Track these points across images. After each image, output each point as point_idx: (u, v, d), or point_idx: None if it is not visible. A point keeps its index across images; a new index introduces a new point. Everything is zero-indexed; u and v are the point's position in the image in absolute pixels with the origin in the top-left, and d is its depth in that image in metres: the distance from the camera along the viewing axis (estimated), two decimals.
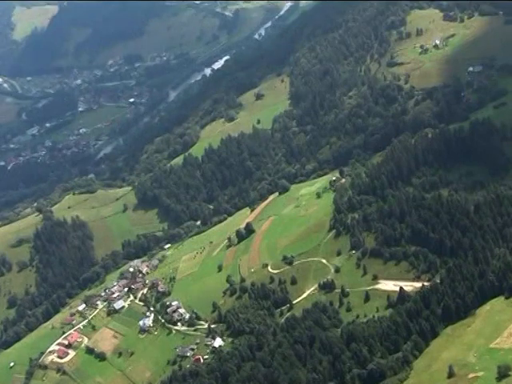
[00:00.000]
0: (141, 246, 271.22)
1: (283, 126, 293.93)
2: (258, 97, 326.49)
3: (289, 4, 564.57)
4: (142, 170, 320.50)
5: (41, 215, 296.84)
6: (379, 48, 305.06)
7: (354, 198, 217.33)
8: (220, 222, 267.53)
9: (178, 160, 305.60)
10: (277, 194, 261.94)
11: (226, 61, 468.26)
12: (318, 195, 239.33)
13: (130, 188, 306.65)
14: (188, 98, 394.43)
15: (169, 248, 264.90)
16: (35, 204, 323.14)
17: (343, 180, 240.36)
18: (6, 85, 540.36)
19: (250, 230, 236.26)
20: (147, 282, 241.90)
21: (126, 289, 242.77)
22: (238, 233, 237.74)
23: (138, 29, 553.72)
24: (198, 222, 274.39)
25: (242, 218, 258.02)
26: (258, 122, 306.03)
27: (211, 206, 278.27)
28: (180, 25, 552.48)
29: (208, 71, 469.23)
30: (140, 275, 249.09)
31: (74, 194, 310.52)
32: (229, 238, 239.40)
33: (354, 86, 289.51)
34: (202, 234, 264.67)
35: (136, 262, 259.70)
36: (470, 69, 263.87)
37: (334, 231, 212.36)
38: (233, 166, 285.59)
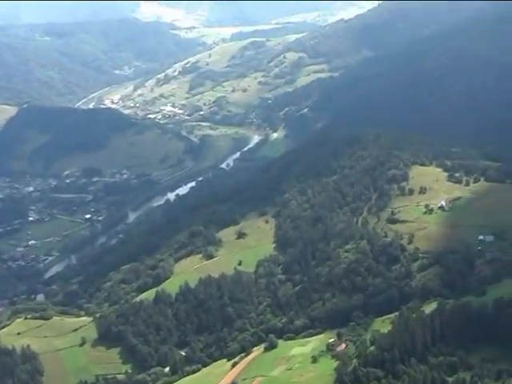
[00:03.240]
0: None
1: (268, 272, 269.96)
2: (240, 235, 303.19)
3: (257, 138, 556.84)
4: (105, 299, 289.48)
5: None
6: (378, 201, 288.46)
7: (359, 369, 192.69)
8: (193, 372, 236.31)
9: (149, 295, 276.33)
10: (262, 348, 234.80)
11: (192, 188, 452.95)
12: (314, 359, 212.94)
13: (89, 319, 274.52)
14: (156, 225, 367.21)
15: None
16: None
17: (343, 345, 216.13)
18: None
19: None
20: None
21: None
22: None
23: (99, 142, 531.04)
24: (167, 369, 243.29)
25: (221, 372, 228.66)
26: (240, 263, 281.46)
27: (183, 353, 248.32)
28: (144, 144, 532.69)
29: (172, 196, 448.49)
30: None
31: (25, 318, 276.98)
32: None
33: (351, 238, 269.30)
34: None
35: None
36: (481, 237, 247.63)
37: None
38: (211, 310, 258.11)
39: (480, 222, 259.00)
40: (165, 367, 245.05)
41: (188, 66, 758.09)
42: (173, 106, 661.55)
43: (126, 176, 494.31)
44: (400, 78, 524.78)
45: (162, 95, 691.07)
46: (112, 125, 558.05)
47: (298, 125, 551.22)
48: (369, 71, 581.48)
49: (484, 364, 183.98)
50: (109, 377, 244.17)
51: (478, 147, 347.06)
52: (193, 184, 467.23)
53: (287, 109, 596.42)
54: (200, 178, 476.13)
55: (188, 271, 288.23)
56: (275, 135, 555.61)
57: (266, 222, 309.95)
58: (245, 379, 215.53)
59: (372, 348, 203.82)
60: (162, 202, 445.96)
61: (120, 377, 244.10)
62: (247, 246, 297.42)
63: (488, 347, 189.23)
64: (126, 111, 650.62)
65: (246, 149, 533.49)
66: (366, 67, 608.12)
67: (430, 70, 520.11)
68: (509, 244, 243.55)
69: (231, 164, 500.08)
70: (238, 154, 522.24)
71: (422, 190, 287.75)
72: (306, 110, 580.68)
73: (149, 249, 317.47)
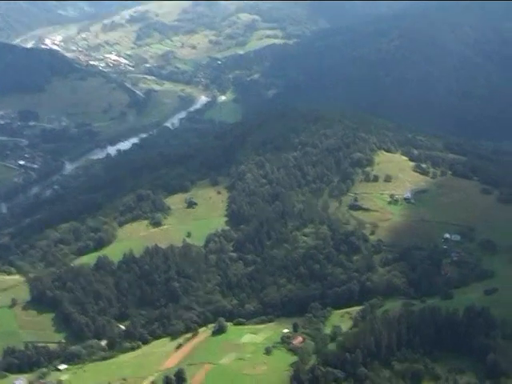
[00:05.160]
0: (28, 359, 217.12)
1: (219, 248, 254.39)
2: (190, 204, 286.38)
3: (204, 98, 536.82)
4: (40, 258, 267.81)
5: None
6: (341, 184, 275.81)
7: (318, 368, 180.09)
8: (132, 349, 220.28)
9: (89, 259, 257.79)
10: (209, 331, 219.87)
11: (135, 144, 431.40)
12: (268, 350, 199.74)
13: (22, 279, 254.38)
14: (98, 181, 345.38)
15: (65, 370, 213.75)
16: None
17: (300, 338, 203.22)
18: None
19: (181, 378, 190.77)
20: None
21: None
22: (166, 379, 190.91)
23: (38, 84, 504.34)
24: (104, 343, 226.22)
25: (163, 352, 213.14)
26: (189, 235, 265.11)
27: (123, 327, 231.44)
28: (86, 91, 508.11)
29: (113, 150, 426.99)
30: None
31: None
32: (152, 383, 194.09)
33: (311, 222, 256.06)
34: (109, 359, 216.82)
35: (19, 381, 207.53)
36: (447, 235, 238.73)
37: None
38: (156, 283, 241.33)
39: (446, 219, 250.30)
40: (101, 340, 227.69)
41: (136, 14, 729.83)
42: (118, 55, 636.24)
43: (64, 123, 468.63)
44: (356, 54, 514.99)
45: (106, 42, 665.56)
46: (53, 67, 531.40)
47: (247, 90, 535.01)
48: (324, 42, 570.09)
49: (451, 375, 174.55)
50: (40, 345, 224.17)
51: (440, 137, 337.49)
52: (135, 140, 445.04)
53: (237, 72, 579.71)
54: (143, 135, 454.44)
55: (133, 238, 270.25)
56: (223, 98, 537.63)
57: (219, 193, 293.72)
58: (191, 364, 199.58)
59: (332, 345, 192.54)
60: (102, 155, 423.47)
61: (52, 346, 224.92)
62: (197, 217, 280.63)
63: (456, 357, 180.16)
64: (68, 54, 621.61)
65: (192, 109, 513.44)
66: (322, 38, 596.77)
67: (388, 50, 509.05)
68: (476, 245, 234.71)
69: (176, 124, 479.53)
70: (183, 114, 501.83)
71: (387, 178, 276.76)
72: (257, 75, 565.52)
73: (90, 208, 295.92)
